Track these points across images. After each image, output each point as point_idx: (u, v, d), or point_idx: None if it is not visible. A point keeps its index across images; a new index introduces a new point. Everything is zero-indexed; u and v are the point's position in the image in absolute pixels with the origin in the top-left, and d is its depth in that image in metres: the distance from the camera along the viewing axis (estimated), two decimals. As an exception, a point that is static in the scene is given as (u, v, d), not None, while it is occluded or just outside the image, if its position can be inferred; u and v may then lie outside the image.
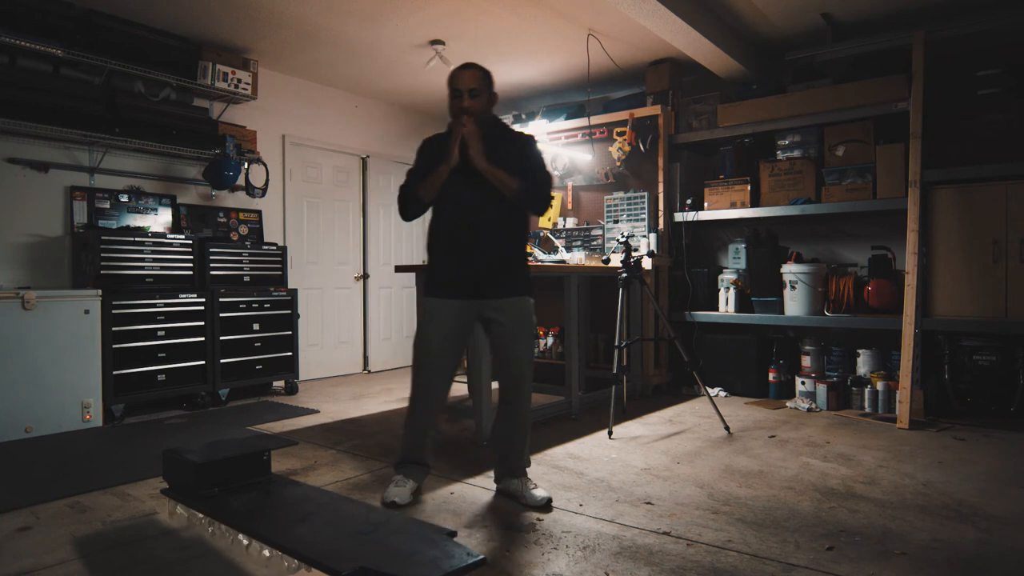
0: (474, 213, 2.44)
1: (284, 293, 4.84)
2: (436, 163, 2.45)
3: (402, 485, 2.50)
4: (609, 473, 2.88)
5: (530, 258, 2.66)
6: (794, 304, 4.48)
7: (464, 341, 2.59)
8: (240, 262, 4.67)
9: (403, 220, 2.57)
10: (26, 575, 1.94)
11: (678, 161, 5.03)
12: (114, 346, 3.88)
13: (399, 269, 3.73)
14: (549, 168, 2.69)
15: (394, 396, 4.83)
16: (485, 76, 2.47)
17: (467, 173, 2.40)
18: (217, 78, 4.65)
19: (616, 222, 5.10)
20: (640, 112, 5.05)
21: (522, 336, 2.50)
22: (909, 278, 3.91)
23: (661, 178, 4.97)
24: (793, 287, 4.48)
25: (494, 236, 2.46)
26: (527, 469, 2.60)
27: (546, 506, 2.44)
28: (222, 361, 4.42)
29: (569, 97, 6.07)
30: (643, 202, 4.99)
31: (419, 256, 6.61)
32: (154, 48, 4.32)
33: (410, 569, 1.54)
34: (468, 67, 2.49)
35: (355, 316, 6.05)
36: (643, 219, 4.97)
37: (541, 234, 4.77)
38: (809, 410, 4.18)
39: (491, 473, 2.86)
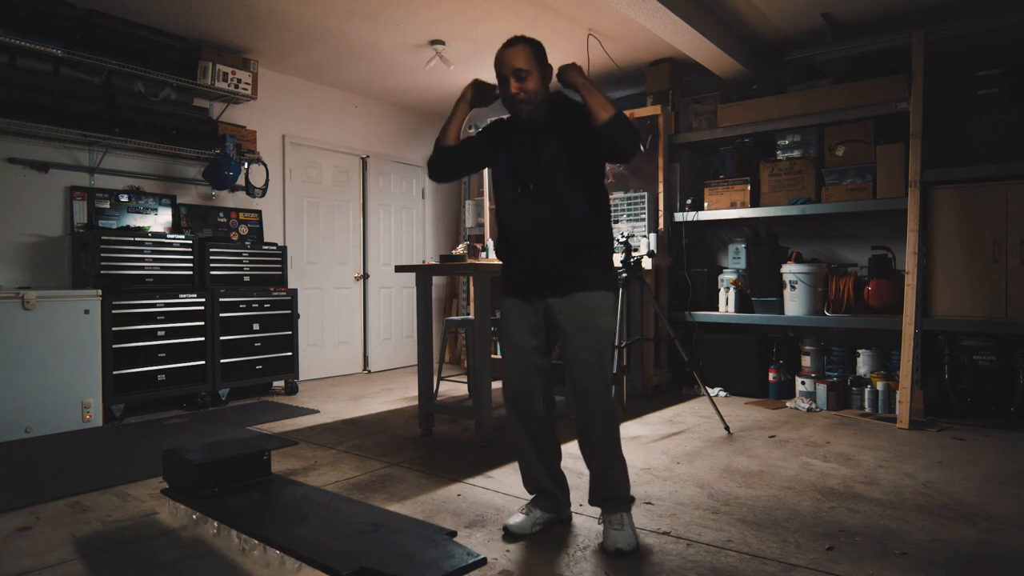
0: (532, 197, 2.15)
1: (284, 293, 4.84)
2: (495, 147, 2.26)
3: (524, 512, 2.25)
4: (609, 473, 2.88)
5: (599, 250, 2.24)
6: (794, 304, 4.48)
7: (543, 344, 2.24)
8: (240, 262, 4.67)
9: (430, 178, 2.33)
10: (26, 575, 1.94)
11: (678, 161, 5.02)
12: (114, 346, 3.88)
13: (399, 269, 3.73)
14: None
15: (394, 396, 4.83)
16: (534, 50, 2.12)
17: (528, 156, 2.17)
18: (217, 78, 4.65)
19: (616, 222, 5.09)
20: (640, 112, 5.05)
21: (582, 338, 2.11)
22: (909, 278, 3.91)
23: (661, 178, 4.97)
24: (793, 287, 4.48)
25: (556, 221, 2.13)
26: (620, 503, 2.15)
27: (615, 554, 2.02)
28: (222, 361, 4.42)
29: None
30: (643, 202, 4.99)
31: (419, 256, 6.62)
32: (154, 48, 4.32)
33: (410, 569, 1.53)
34: (510, 44, 2.13)
35: (355, 316, 6.05)
36: (643, 219, 4.97)
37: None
38: (809, 410, 4.18)
39: (491, 473, 2.87)
